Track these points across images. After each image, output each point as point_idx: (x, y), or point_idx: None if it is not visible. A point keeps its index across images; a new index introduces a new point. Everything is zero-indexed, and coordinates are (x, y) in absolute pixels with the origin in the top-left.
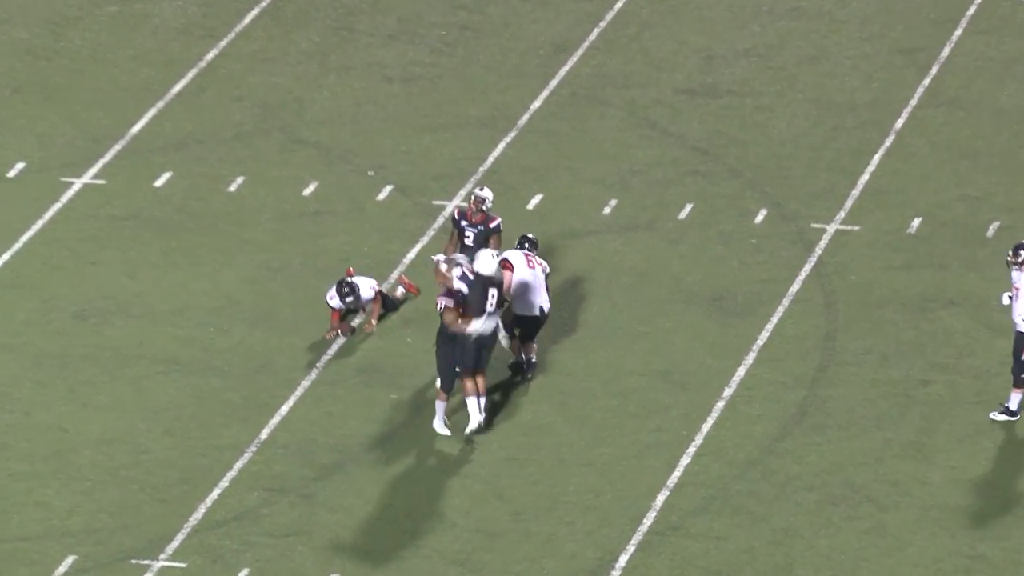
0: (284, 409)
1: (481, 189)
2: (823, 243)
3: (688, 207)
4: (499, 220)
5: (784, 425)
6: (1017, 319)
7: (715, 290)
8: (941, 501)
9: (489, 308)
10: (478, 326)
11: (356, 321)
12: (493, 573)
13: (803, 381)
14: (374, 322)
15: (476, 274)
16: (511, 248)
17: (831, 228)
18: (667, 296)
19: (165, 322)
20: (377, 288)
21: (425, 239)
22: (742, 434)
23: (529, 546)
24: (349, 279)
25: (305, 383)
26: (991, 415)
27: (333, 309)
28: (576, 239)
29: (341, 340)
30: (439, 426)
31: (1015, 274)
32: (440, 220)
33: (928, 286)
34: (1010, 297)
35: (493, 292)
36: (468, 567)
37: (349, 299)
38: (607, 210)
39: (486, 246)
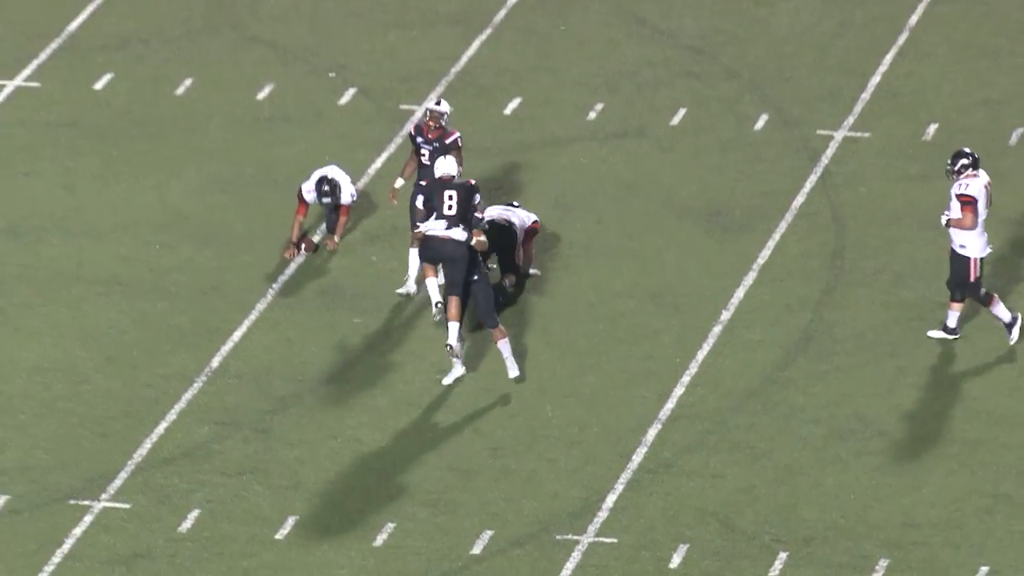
0: (237, 335)
1: (438, 103)
2: (830, 152)
3: (681, 112)
4: (457, 135)
5: (787, 352)
6: (952, 237)
7: (711, 203)
8: (960, 435)
9: (447, 211)
10: (430, 225)
11: (317, 237)
12: (468, 514)
13: (808, 303)
14: (337, 239)
15: (433, 179)
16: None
17: (838, 135)
18: (658, 210)
19: (106, 239)
20: (356, 196)
21: (391, 147)
22: (741, 362)
23: (507, 485)
24: (331, 176)
25: (260, 306)
26: (929, 333)
27: (301, 203)
28: (558, 147)
29: (300, 258)
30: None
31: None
32: (409, 126)
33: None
34: (947, 213)
35: (450, 194)
36: (440, 507)
37: (327, 199)
38: (592, 115)
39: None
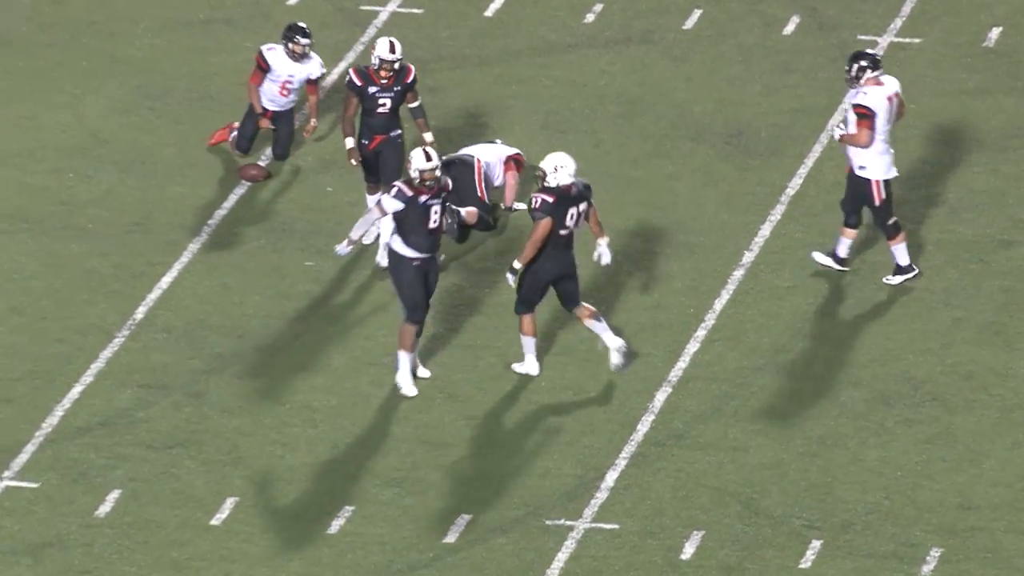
0: (165, 281)
1: (392, 50)
2: None
3: (696, 14)
4: (414, 70)
5: (822, 301)
6: (849, 155)
7: (731, 123)
8: None
9: (432, 224)
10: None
11: (264, 161)
12: (440, 497)
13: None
14: (315, 121)
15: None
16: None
17: (883, 41)
18: (668, 131)
19: (10, 166)
20: (324, 72)
21: (351, 55)
22: (767, 313)
23: (488, 462)
24: (305, 42)
25: (193, 247)
26: (814, 255)
27: (258, 70)
28: (549, 56)
29: (241, 189)
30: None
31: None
32: (371, 30)
33: (1011, 117)
34: (842, 125)
35: (436, 210)
36: (407, 488)
37: (296, 60)
38: (590, 17)
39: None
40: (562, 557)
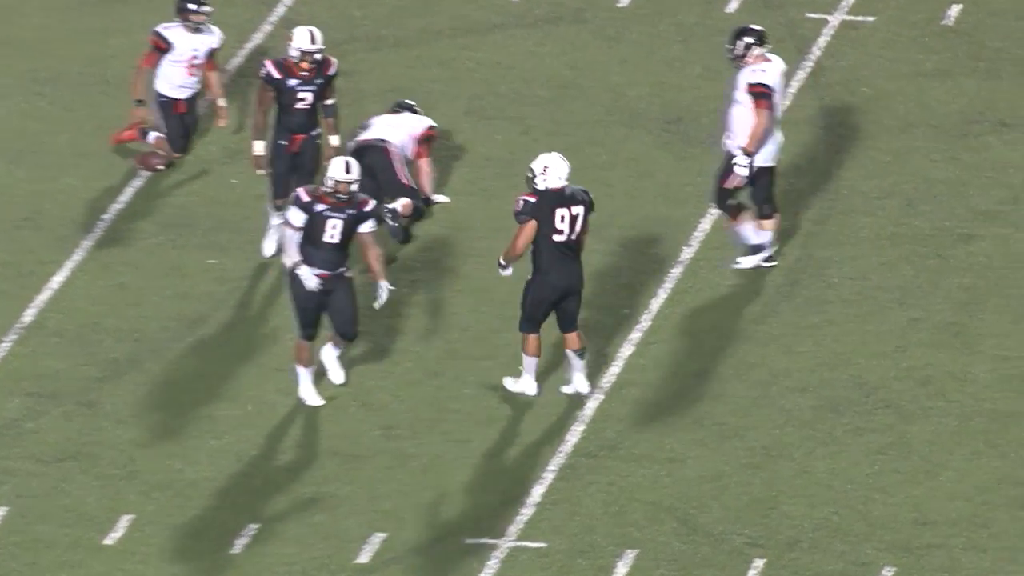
0: (57, 280)
1: (313, 40)
2: (823, 40)
3: None
4: (335, 62)
5: (767, 300)
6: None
7: (669, 108)
8: (988, 406)
9: (329, 238)
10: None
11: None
12: (353, 513)
13: (794, 237)
14: (223, 102)
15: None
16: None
17: (834, 19)
18: (602, 117)
19: None
20: (223, 42)
21: (258, 36)
22: (707, 313)
23: (404, 475)
24: (207, 9)
25: (86, 243)
26: (735, 265)
27: (153, 52)
28: (473, 36)
29: (139, 180)
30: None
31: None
32: (280, 9)
33: (972, 100)
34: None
35: (336, 224)
36: (318, 504)
37: (197, 41)
38: None
39: (322, 101)
40: None
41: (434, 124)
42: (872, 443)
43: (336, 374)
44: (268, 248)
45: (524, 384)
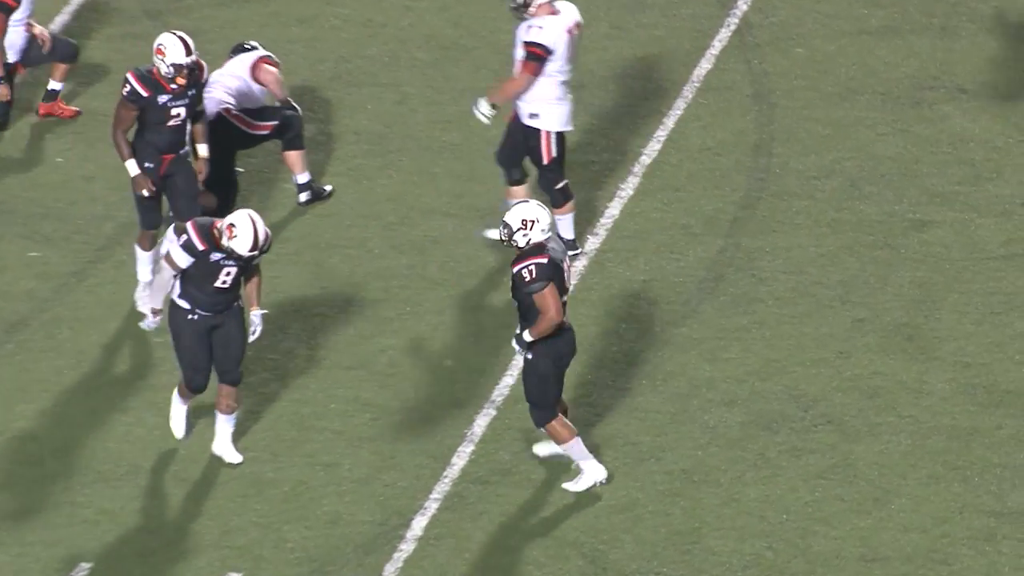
0: None
1: (188, 51)
2: None
3: None
4: (206, 66)
5: (686, 298)
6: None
7: (574, 73)
8: (947, 422)
9: (220, 284)
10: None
11: None
12: (203, 549)
13: (718, 224)
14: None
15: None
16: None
17: None
18: (490, 83)
19: None
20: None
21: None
22: (616, 313)
23: (261, 504)
24: None
25: None
26: (484, 233)
27: None
28: None
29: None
30: None
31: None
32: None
33: (924, 63)
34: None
35: (230, 271)
36: (161, 538)
37: None
38: None
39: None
40: None
41: (270, 54)
42: (811, 466)
43: (232, 456)
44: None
45: (593, 472)
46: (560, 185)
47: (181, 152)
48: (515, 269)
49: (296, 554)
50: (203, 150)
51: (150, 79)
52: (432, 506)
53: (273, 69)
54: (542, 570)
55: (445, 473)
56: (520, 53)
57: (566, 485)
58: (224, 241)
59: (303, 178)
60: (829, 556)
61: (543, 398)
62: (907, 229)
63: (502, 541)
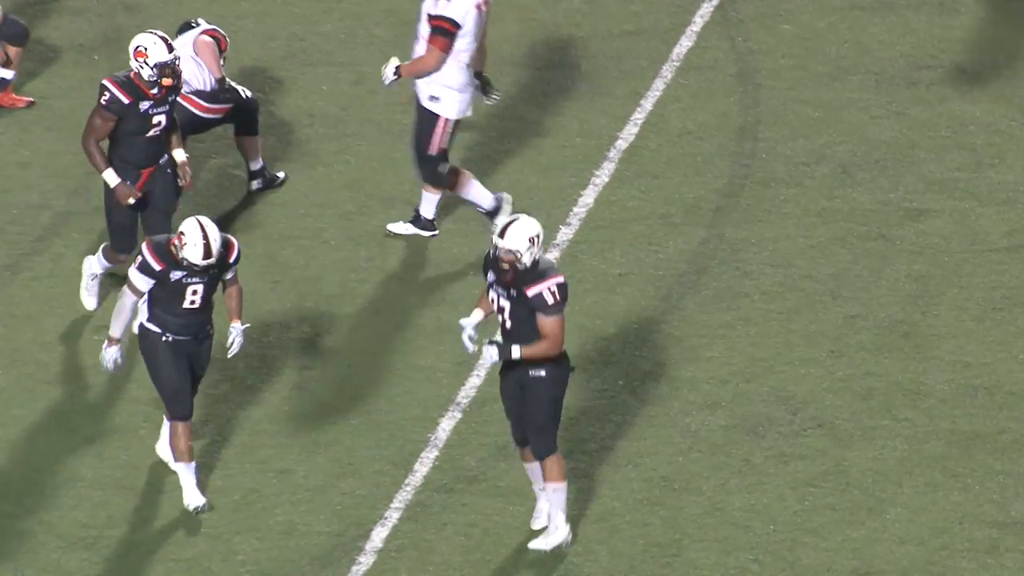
0: None
1: (169, 48)
2: None
3: None
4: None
5: (665, 292)
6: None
7: (540, 52)
8: (946, 426)
9: (189, 304)
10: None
11: None
12: (147, 560)
13: (700, 213)
14: None
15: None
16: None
17: None
18: None
19: None
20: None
21: None
22: (591, 309)
23: (211, 513)
24: None
25: None
26: (389, 227)
27: None
28: None
29: None
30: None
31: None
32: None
33: (921, 40)
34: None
35: (196, 289)
36: (99, 551)
37: None
38: None
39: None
40: None
41: (216, 28)
42: (800, 473)
43: (193, 495)
44: (88, 302)
45: (564, 529)
46: (441, 169)
47: (161, 163)
48: (534, 291)
49: (247, 567)
50: (180, 155)
51: (130, 85)
52: (393, 516)
53: (208, 39)
54: None
55: (407, 481)
56: (425, 29)
57: (533, 544)
58: (178, 255)
59: (256, 165)
60: (819, 569)
61: (553, 423)
62: (903, 219)
63: (468, 554)
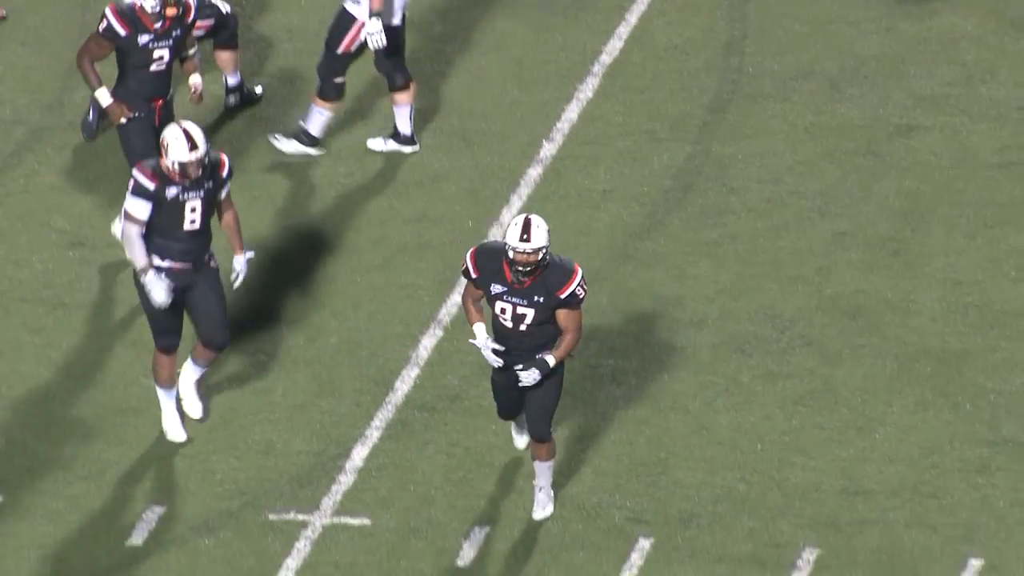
0: None
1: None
2: None
3: None
4: (194, 3)
5: (650, 208)
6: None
7: None
8: (936, 343)
9: (189, 225)
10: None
11: None
12: (123, 483)
13: (685, 128)
14: None
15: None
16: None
17: None
18: None
19: None
20: None
21: None
22: (575, 225)
23: (189, 431)
24: None
25: None
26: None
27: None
28: None
29: None
30: None
31: None
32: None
33: None
34: None
35: (195, 206)
36: (77, 472)
37: None
38: None
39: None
40: (292, 564)
41: None
42: (788, 391)
43: (193, 405)
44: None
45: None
46: (337, 81)
47: (167, 98)
48: (568, 292)
49: (225, 486)
50: (196, 78)
51: (132, 16)
52: (374, 434)
53: None
54: (493, 505)
55: (388, 399)
56: None
57: (536, 515)
58: (166, 162)
59: (233, 80)
60: (807, 489)
61: (556, 403)
62: (892, 135)
63: (449, 472)
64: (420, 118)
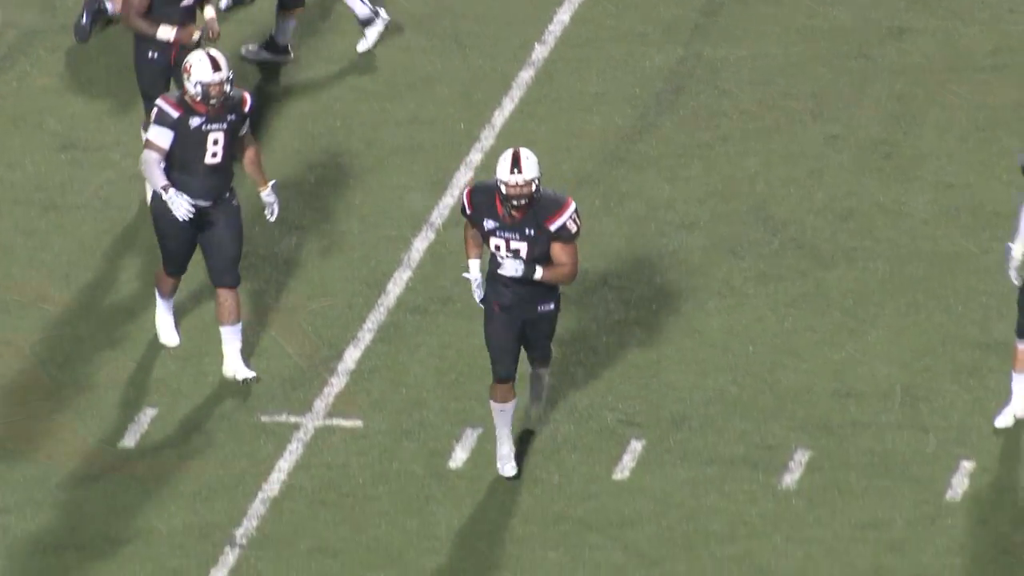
0: None
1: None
2: None
3: None
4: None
5: (642, 110)
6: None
7: None
8: (928, 246)
9: (211, 158)
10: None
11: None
12: (115, 387)
13: (677, 31)
14: None
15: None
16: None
17: None
18: None
19: None
20: None
21: None
22: (567, 128)
23: (180, 333)
24: None
25: None
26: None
27: None
28: None
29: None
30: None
31: None
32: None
33: None
34: None
35: (217, 138)
36: (64, 377)
37: None
38: None
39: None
40: (284, 466)
41: None
42: (780, 294)
43: (238, 367)
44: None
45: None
46: None
47: (194, 39)
48: (558, 223)
49: (218, 389)
50: (209, 11)
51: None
52: (366, 337)
53: None
54: (485, 406)
55: (380, 301)
56: None
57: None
58: (188, 87)
59: None
60: (799, 391)
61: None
62: (884, 37)
63: (442, 375)
64: (413, 21)
